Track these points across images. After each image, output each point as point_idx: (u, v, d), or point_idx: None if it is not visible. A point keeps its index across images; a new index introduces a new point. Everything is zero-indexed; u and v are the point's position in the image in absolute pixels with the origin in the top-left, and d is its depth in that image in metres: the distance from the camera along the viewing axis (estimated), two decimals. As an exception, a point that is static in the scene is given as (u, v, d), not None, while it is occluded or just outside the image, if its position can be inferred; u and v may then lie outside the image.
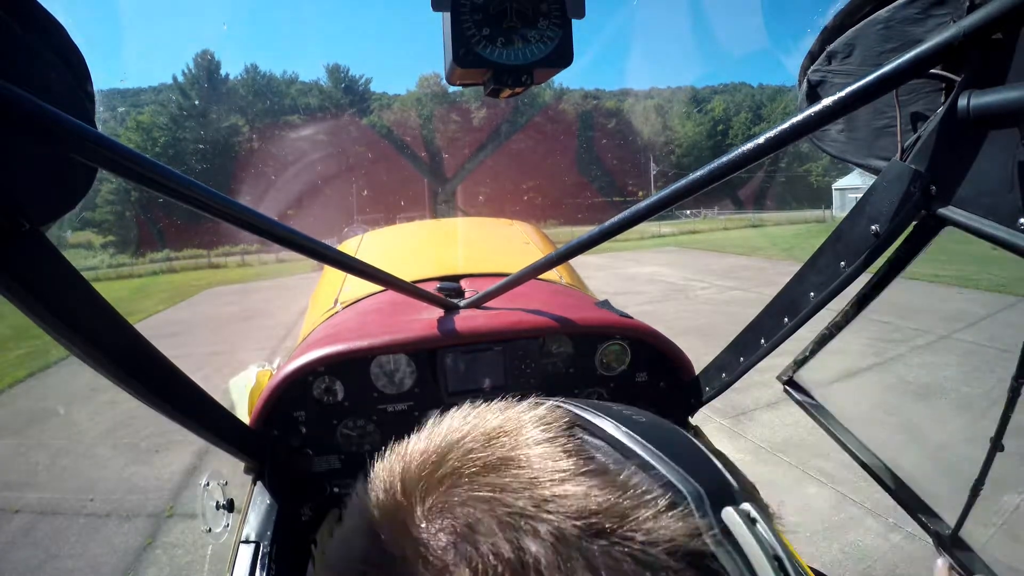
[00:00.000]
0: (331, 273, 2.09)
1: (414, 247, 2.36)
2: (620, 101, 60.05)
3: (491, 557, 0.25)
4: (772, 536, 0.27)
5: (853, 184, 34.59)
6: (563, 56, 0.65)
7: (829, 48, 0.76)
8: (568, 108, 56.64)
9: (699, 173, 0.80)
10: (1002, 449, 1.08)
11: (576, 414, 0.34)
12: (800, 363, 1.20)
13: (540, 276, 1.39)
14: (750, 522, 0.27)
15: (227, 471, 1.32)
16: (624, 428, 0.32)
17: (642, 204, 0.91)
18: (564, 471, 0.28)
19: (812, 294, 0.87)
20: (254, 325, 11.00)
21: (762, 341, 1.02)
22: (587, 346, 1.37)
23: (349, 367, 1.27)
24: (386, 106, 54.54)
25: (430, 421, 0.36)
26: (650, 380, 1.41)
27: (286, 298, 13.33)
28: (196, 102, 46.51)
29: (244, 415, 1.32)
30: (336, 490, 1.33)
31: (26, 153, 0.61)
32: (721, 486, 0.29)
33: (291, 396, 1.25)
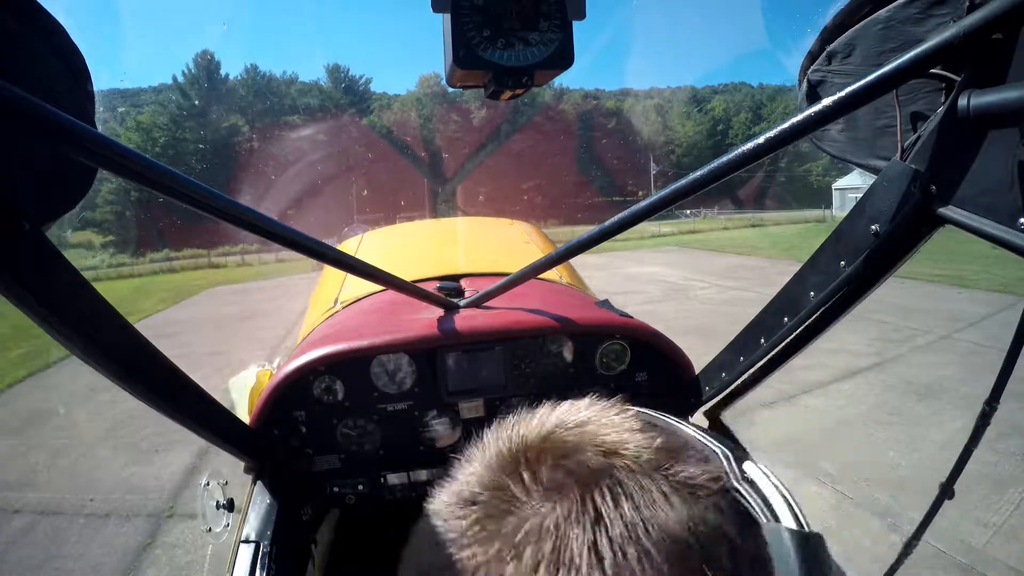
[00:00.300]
0: (331, 273, 2.09)
1: (414, 247, 2.36)
2: (620, 101, 60.05)
3: (592, 471, 0.35)
4: (780, 482, 0.37)
5: (853, 184, 34.59)
6: (564, 58, 0.65)
7: (829, 48, 0.76)
8: (568, 108, 56.65)
9: (699, 173, 0.80)
10: (951, 497, 1.04)
11: (634, 408, 0.44)
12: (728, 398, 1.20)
13: (540, 276, 1.39)
14: (764, 473, 0.38)
15: (227, 471, 1.32)
16: (669, 417, 0.45)
17: (642, 204, 0.91)
18: (636, 427, 0.39)
19: (812, 294, 0.87)
20: (254, 325, 11.00)
21: (762, 341, 1.02)
22: (587, 346, 1.37)
23: (349, 367, 1.27)
24: (386, 106, 54.55)
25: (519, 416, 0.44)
26: (650, 380, 1.41)
27: (286, 298, 13.35)
28: (196, 102, 46.52)
29: (244, 415, 1.32)
30: (336, 490, 1.33)
31: (26, 153, 0.61)
32: (738, 451, 0.40)
33: (291, 396, 1.25)
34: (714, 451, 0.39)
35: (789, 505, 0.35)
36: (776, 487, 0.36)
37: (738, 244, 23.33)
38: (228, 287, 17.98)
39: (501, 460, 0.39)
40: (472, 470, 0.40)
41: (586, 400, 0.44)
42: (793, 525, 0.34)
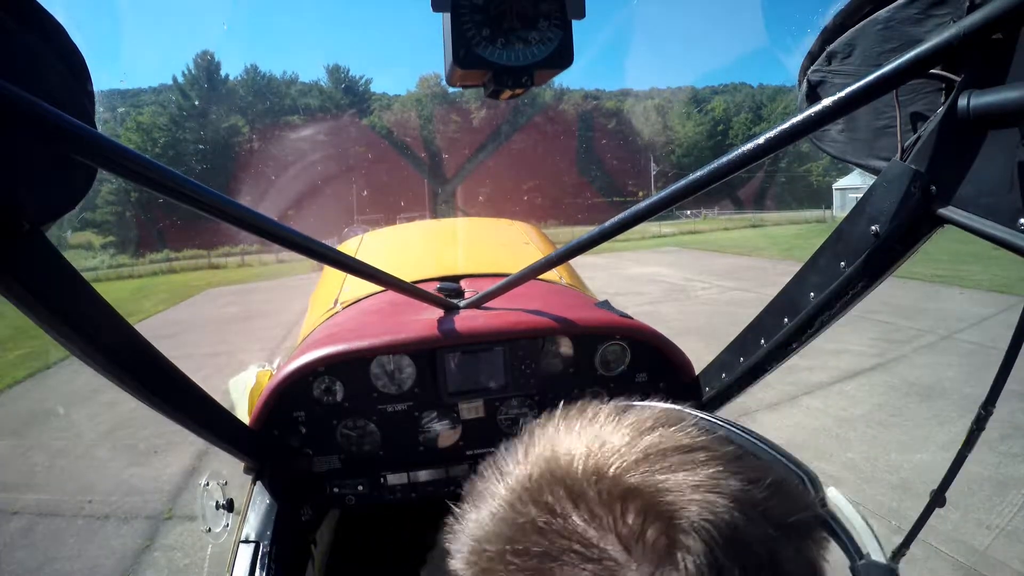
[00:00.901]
0: (331, 273, 2.09)
1: (414, 247, 2.36)
2: (620, 101, 60.07)
3: (703, 521, 0.30)
4: (854, 509, 0.38)
5: (853, 184, 34.58)
6: (563, 57, 0.65)
7: (829, 48, 0.76)
8: (568, 108, 56.66)
9: (699, 173, 0.80)
10: (942, 505, 1.03)
11: (689, 414, 0.40)
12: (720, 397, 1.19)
13: (540, 276, 1.39)
14: (843, 498, 0.38)
15: (227, 471, 1.32)
16: (737, 429, 0.41)
17: (642, 204, 0.91)
18: (730, 453, 0.35)
19: (812, 294, 0.87)
20: (254, 326, 10.99)
21: (762, 341, 1.02)
22: (587, 346, 1.36)
23: (349, 367, 1.27)
24: (386, 106, 54.57)
25: (560, 417, 0.40)
26: (650, 380, 1.41)
27: (286, 298, 13.31)
28: (196, 103, 46.53)
29: (244, 415, 1.32)
30: (336, 490, 1.33)
31: (26, 153, 0.61)
32: (815, 478, 0.39)
33: (291, 396, 1.25)
34: (799, 475, 0.37)
35: (874, 536, 0.36)
36: (858, 515, 0.37)
37: (738, 244, 23.30)
38: (228, 288, 17.93)
39: (565, 485, 0.33)
40: (518, 485, 0.35)
41: (646, 409, 0.39)
42: (881, 559, 0.35)
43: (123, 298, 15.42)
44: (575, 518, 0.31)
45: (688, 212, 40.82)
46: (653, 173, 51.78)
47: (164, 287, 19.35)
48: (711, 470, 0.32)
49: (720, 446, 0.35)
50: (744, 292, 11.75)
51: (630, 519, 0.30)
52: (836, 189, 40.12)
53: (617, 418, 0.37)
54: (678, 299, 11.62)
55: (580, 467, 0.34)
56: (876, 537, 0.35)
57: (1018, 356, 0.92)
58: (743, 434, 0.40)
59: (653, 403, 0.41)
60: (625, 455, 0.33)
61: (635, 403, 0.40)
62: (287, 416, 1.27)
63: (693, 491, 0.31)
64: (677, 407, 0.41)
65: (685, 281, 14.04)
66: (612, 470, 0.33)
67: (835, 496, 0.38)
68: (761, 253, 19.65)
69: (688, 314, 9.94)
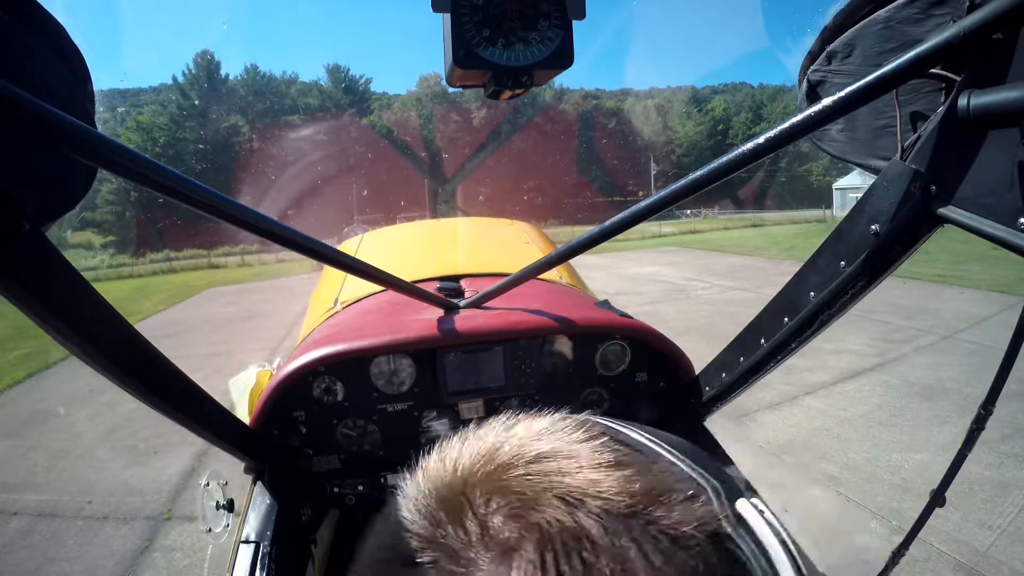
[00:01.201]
0: (331, 273, 2.09)
1: (414, 247, 2.36)
2: (620, 101, 60.07)
3: (554, 525, 0.29)
4: (778, 523, 0.32)
5: (854, 184, 34.57)
6: (563, 57, 0.65)
7: (829, 48, 0.76)
8: (568, 108, 56.64)
9: (699, 173, 0.80)
10: (942, 504, 1.02)
11: (606, 425, 0.39)
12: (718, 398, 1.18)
13: (540, 276, 1.39)
14: (759, 512, 0.32)
15: (227, 471, 1.32)
16: (647, 435, 0.38)
17: (642, 204, 0.91)
18: (607, 462, 0.33)
19: (812, 294, 0.87)
20: (253, 326, 10.99)
21: (762, 341, 1.02)
22: (587, 346, 1.36)
23: (349, 367, 1.27)
24: (386, 106, 54.56)
25: (467, 431, 0.40)
26: (650, 380, 1.41)
27: (286, 298, 13.30)
28: (196, 102, 46.53)
29: (244, 415, 1.32)
30: (336, 490, 1.33)
31: (26, 153, 0.61)
32: (731, 483, 0.34)
33: (291, 396, 1.25)
34: (702, 485, 0.33)
35: (789, 554, 0.31)
36: (774, 530, 0.32)
37: (739, 244, 23.26)
38: (228, 287, 17.91)
39: (445, 493, 0.34)
40: (416, 494, 0.36)
41: (547, 419, 0.39)
42: None
43: (123, 298, 15.42)
44: (449, 528, 0.31)
45: (688, 212, 40.84)
46: (653, 173, 51.78)
47: (164, 287, 19.34)
48: (584, 476, 0.31)
49: (604, 452, 0.34)
50: (744, 292, 11.75)
51: (496, 523, 0.30)
52: (836, 189, 40.11)
53: (510, 425, 0.39)
54: (678, 299, 11.59)
55: (450, 478, 0.35)
56: (794, 557, 0.30)
57: (1018, 356, 0.92)
58: (650, 441, 0.37)
59: (570, 415, 0.40)
60: (488, 462, 0.34)
61: (556, 415, 0.40)
62: (287, 416, 1.27)
63: (554, 497, 0.30)
64: (586, 416, 0.40)
65: (685, 281, 14.02)
66: (479, 476, 0.33)
67: (750, 512, 0.33)
68: (761, 253, 19.62)
69: (689, 314, 9.93)
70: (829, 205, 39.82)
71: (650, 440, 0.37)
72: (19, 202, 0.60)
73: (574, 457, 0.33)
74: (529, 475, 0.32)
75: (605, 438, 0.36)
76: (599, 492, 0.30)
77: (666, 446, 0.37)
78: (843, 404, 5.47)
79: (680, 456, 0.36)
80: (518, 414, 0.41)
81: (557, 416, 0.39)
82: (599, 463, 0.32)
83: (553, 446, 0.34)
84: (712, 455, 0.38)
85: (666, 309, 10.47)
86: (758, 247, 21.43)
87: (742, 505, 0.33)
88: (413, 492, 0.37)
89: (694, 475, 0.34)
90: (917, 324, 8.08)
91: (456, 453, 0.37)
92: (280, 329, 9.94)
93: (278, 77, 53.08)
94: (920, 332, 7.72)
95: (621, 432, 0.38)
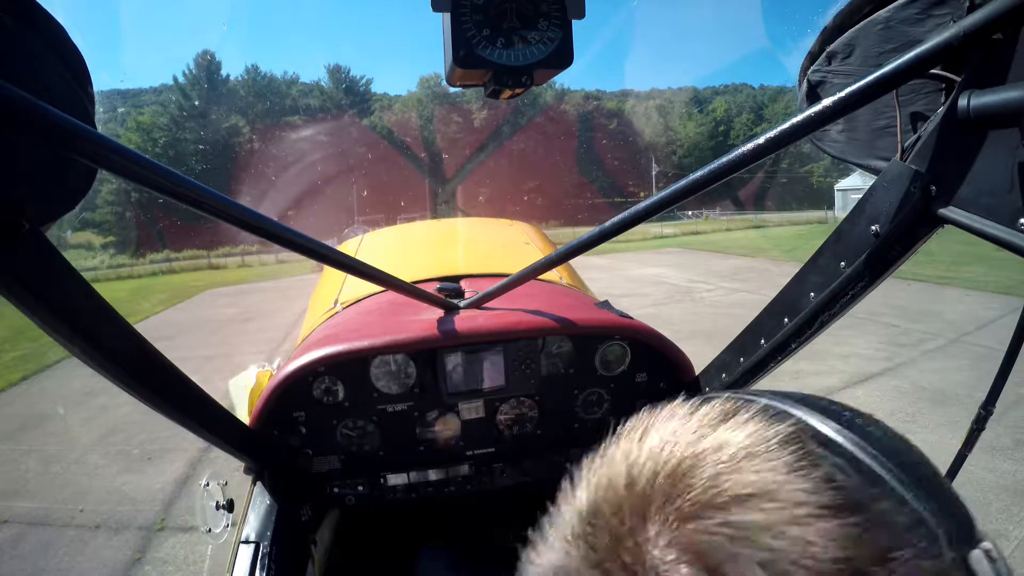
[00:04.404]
0: (331, 274, 2.09)
1: (414, 248, 2.36)
2: (621, 102, 60.08)
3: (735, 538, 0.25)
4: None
5: (855, 185, 34.55)
6: (563, 57, 0.65)
7: (829, 48, 0.76)
8: (569, 108, 56.67)
9: (699, 174, 0.80)
10: None
11: (809, 425, 0.32)
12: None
13: (540, 276, 1.39)
14: (991, 561, 0.27)
15: (227, 471, 1.32)
16: (865, 446, 0.30)
17: (641, 205, 0.91)
18: (820, 508, 0.26)
19: (812, 294, 0.87)
20: (252, 327, 10.93)
21: (762, 342, 1.02)
22: (587, 346, 1.36)
23: (349, 367, 1.27)
24: (387, 107, 54.57)
25: (642, 418, 0.35)
26: (650, 380, 1.41)
27: (285, 299, 13.27)
28: (196, 103, 46.55)
29: (244, 415, 1.32)
30: (336, 490, 1.33)
31: (26, 153, 0.61)
32: (964, 522, 0.28)
33: (291, 396, 1.25)
34: (932, 530, 0.26)
35: None
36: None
37: (742, 246, 23.02)
38: (227, 288, 17.78)
39: (614, 527, 0.29)
40: (573, 526, 0.31)
41: (737, 416, 0.32)
42: None
43: (122, 298, 15.35)
44: (630, 538, 0.28)
45: (690, 213, 40.82)
46: (655, 172, 51.74)
47: (163, 288, 19.19)
48: (794, 534, 0.25)
49: (817, 488, 0.27)
50: (749, 294, 11.70)
51: (685, 535, 0.26)
52: (838, 190, 40.10)
53: (694, 428, 0.32)
54: (683, 301, 11.47)
55: (645, 488, 0.29)
56: None
57: (1018, 356, 0.92)
58: (857, 447, 0.30)
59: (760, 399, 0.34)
60: (675, 489, 0.29)
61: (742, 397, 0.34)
62: (287, 416, 1.27)
63: (755, 565, 0.25)
64: (770, 400, 0.34)
65: (689, 283, 13.86)
66: (679, 501, 0.28)
67: (979, 562, 0.26)
68: (765, 254, 19.39)
69: (694, 316, 9.86)
70: (831, 206, 39.79)
71: (871, 455, 0.30)
72: (19, 202, 0.60)
73: (780, 501, 0.26)
74: (725, 527, 0.26)
75: (815, 464, 0.28)
76: (812, 556, 0.24)
77: (887, 463, 0.29)
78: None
79: (904, 480, 0.28)
80: (698, 399, 0.35)
81: (758, 417, 0.32)
82: (811, 512, 0.26)
83: (756, 479, 0.27)
84: None
85: (671, 311, 10.37)
86: (761, 248, 21.18)
87: (976, 559, 0.27)
88: (569, 522, 0.31)
89: (925, 514, 0.27)
90: (924, 327, 7.97)
91: (631, 458, 0.31)
92: (277, 332, 9.88)
93: (279, 77, 53.11)
94: (928, 335, 7.60)
95: (831, 439, 0.31)
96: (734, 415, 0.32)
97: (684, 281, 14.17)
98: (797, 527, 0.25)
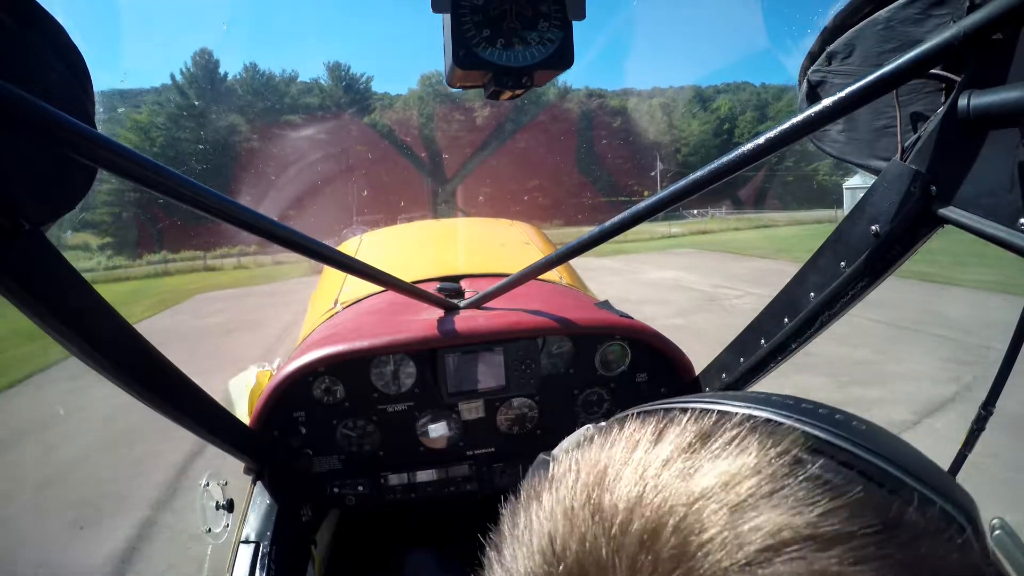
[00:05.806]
0: (331, 274, 2.09)
1: (414, 247, 2.36)
2: (623, 100, 60.00)
3: None
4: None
5: (864, 184, 34.21)
6: (563, 58, 0.65)
7: (829, 48, 0.76)
8: (571, 107, 56.62)
9: (700, 173, 0.80)
10: None
11: (810, 433, 0.28)
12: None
13: (540, 276, 1.39)
14: (1007, 535, 0.25)
15: (227, 471, 1.32)
16: (865, 445, 0.28)
17: (642, 204, 0.91)
18: (863, 538, 0.22)
19: (812, 294, 0.87)
20: (230, 342, 9.59)
21: (762, 341, 1.02)
22: (587, 346, 1.37)
23: (349, 367, 1.27)
24: (387, 106, 54.50)
25: (612, 433, 0.31)
26: (650, 381, 1.41)
27: (274, 306, 12.07)
28: (195, 102, 46.49)
29: (244, 416, 1.32)
30: (336, 490, 1.33)
31: (26, 153, 0.61)
32: (971, 503, 0.27)
33: (291, 396, 1.25)
34: (945, 511, 0.24)
35: None
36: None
37: (756, 246, 20.85)
38: (219, 292, 16.57)
39: (605, 533, 0.25)
40: (550, 528, 0.27)
41: (736, 447, 0.26)
42: None
43: (114, 302, 14.54)
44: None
45: (695, 212, 40.67)
46: (659, 171, 51.64)
47: (156, 291, 18.03)
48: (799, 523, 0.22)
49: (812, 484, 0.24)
50: (781, 301, 10.76)
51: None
52: (847, 188, 39.70)
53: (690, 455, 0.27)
54: (710, 309, 9.99)
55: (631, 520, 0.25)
56: None
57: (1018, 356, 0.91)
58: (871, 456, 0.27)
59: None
60: (679, 494, 0.25)
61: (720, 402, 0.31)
62: (287, 416, 1.27)
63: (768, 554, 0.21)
64: (776, 412, 0.30)
65: (713, 288, 12.23)
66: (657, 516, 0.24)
67: (1000, 538, 0.24)
68: (785, 255, 17.26)
69: (727, 328, 8.84)
70: (839, 205, 39.59)
71: (872, 452, 0.27)
72: (19, 202, 0.60)
73: (818, 541, 0.22)
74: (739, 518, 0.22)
75: (825, 487, 0.24)
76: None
77: (890, 456, 0.27)
78: (941, 448, 4.04)
79: (913, 472, 0.26)
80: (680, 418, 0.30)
81: (750, 443, 0.26)
82: (855, 544, 0.22)
83: (783, 521, 0.22)
84: None
85: (701, 321, 8.88)
86: (778, 249, 19.07)
87: (998, 538, 0.25)
88: (551, 520, 0.27)
89: (946, 506, 0.25)
90: (980, 339, 6.84)
91: (616, 496, 0.26)
92: (254, 348, 8.59)
93: (278, 76, 53.02)
94: (988, 347, 6.49)
95: (831, 444, 0.27)
96: (711, 435, 0.28)
97: (707, 286, 12.56)
98: (851, 567, 0.21)
